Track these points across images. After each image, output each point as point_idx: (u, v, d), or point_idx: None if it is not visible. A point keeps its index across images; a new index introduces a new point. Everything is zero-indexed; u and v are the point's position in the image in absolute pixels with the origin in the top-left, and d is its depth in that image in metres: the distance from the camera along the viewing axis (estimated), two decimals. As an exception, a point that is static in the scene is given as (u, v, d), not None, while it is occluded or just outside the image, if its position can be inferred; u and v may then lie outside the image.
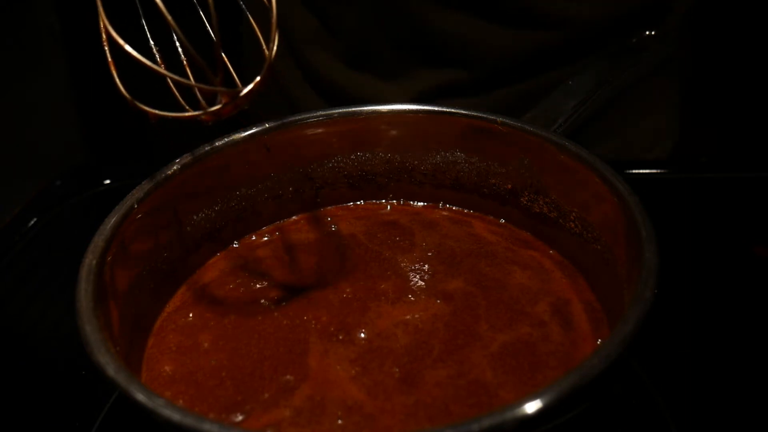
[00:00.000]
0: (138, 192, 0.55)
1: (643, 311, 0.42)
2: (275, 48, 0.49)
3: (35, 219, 0.81)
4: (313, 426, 0.46)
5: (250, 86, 0.49)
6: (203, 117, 0.50)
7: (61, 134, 1.60)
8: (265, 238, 0.65)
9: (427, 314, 0.55)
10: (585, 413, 0.42)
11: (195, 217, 0.61)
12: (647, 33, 0.79)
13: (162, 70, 0.49)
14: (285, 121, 0.62)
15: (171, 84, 0.52)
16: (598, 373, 0.39)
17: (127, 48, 0.46)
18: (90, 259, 0.49)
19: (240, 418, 0.48)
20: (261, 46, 0.52)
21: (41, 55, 1.58)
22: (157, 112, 0.51)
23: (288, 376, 0.50)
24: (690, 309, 0.66)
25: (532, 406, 0.37)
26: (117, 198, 0.54)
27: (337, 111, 0.64)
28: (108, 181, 0.87)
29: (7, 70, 1.50)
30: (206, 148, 0.59)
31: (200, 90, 0.50)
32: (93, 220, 0.53)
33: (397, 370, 0.50)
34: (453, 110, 0.63)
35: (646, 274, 0.45)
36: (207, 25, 0.50)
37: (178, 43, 0.50)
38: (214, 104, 0.51)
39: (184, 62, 0.52)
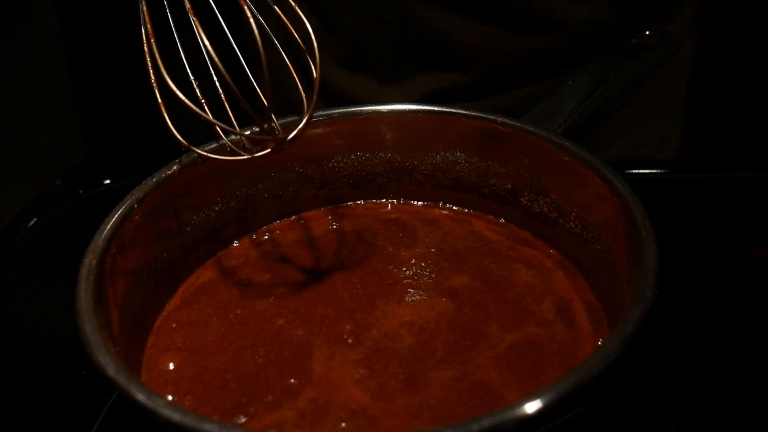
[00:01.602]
0: (138, 192, 0.55)
1: (643, 311, 0.42)
2: (315, 102, 0.53)
3: (35, 219, 0.81)
4: (316, 428, 0.46)
5: (294, 132, 0.53)
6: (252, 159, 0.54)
7: (61, 134, 1.60)
8: (266, 237, 0.65)
9: (433, 313, 0.55)
10: (585, 413, 0.42)
11: (195, 217, 0.61)
12: (647, 33, 0.79)
13: (211, 118, 0.52)
14: (285, 121, 0.62)
15: (219, 130, 0.56)
16: (598, 373, 0.39)
17: (184, 99, 0.48)
18: (90, 259, 0.49)
19: (243, 420, 0.48)
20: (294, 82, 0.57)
21: (41, 55, 1.58)
22: (209, 155, 0.54)
23: (292, 380, 0.50)
24: (690, 309, 0.65)
25: (532, 406, 0.37)
26: (117, 198, 0.54)
27: (337, 111, 0.64)
28: (108, 181, 0.87)
29: (7, 70, 1.50)
30: (206, 148, 0.59)
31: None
32: (93, 220, 0.53)
33: (401, 371, 0.50)
34: (453, 110, 0.63)
35: (646, 274, 0.45)
36: (256, 86, 0.55)
37: (220, 89, 0.53)
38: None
39: (222, 95, 0.54)
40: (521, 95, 0.86)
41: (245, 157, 0.53)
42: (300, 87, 0.56)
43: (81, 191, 0.86)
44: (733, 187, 0.81)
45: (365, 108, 0.64)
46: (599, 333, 0.53)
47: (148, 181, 0.56)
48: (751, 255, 0.72)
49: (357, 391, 0.49)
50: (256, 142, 0.55)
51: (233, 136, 0.56)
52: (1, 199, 1.02)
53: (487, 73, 0.86)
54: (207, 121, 0.51)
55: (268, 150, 0.53)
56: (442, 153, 0.65)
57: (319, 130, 0.64)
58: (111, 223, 0.52)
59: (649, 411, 0.56)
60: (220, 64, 0.46)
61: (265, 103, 0.50)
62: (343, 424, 0.46)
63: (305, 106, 0.54)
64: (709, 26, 0.90)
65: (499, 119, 0.61)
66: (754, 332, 0.63)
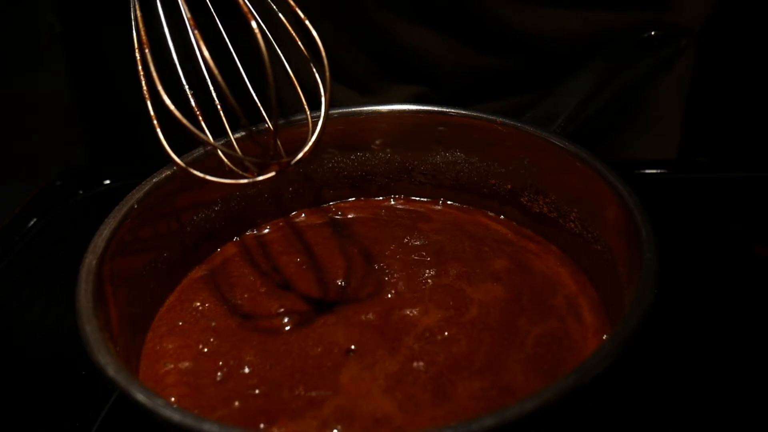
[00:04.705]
0: (138, 192, 0.55)
1: (643, 311, 0.42)
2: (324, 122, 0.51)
3: (35, 219, 0.81)
4: None
5: (299, 155, 0.50)
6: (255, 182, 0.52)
7: (61, 134, 1.60)
8: (266, 230, 0.65)
9: (489, 297, 0.55)
10: (585, 413, 0.42)
11: (195, 217, 0.61)
12: (647, 34, 0.79)
13: (212, 141, 0.50)
14: (285, 121, 0.62)
15: (221, 154, 0.53)
16: (598, 373, 0.39)
17: (184, 121, 0.46)
18: (90, 259, 0.49)
19: (262, 426, 0.47)
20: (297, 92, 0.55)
21: (41, 55, 1.58)
22: (213, 179, 0.51)
23: (301, 386, 0.49)
24: (690, 309, 0.65)
25: (532, 406, 0.37)
26: (117, 198, 0.54)
27: (336, 111, 0.64)
28: (108, 181, 0.87)
29: (7, 70, 1.50)
30: (206, 148, 0.59)
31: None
32: (93, 220, 0.53)
33: (431, 379, 0.49)
34: (453, 110, 0.63)
35: (646, 274, 0.45)
36: (263, 113, 0.53)
37: (217, 101, 0.51)
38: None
39: (218, 106, 0.52)
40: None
41: (248, 180, 0.52)
42: (301, 95, 0.54)
43: (81, 191, 0.86)
44: (733, 187, 0.81)
45: (365, 108, 0.65)
46: (602, 331, 0.53)
47: (148, 181, 0.56)
48: (751, 255, 0.72)
49: (385, 402, 0.47)
50: (259, 163, 0.52)
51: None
52: (1, 199, 1.02)
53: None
54: (207, 143, 0.49)
55: (272, 174, 0.51)
56: (442, 153, 0.65)
57: (319, 130, 0.64)
58: (111, 223, 0.52)
59: (649, 411, 0.56)
60: (222, 83, 0.43)
61: (270, 126, 0.47)
62: None
63: (309, 126, 0.52)
64: (709, 26, 0.90)
65: (499, 119, 0.61)
66: (754, 332, 0.63)
